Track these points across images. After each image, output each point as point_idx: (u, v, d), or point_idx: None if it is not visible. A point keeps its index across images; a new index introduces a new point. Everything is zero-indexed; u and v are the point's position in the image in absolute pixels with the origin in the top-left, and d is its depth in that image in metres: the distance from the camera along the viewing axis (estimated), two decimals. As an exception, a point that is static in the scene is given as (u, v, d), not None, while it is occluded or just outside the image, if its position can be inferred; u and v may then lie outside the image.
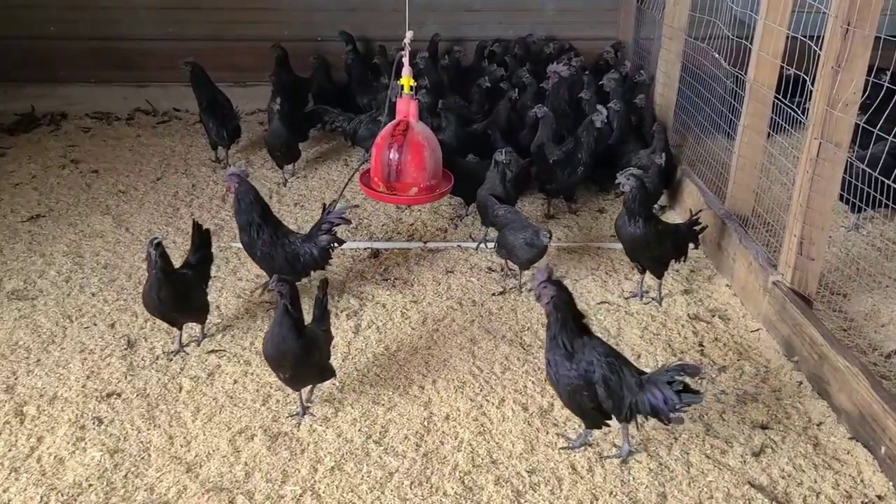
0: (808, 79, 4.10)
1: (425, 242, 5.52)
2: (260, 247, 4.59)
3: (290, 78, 7.42)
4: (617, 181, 4.57)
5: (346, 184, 5.68)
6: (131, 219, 5.75)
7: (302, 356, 3.58)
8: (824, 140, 3.95)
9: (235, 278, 5.00)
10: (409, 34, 5.08)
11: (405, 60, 5.10)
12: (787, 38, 4.45)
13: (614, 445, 3.62)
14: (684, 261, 4.85)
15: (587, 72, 7.01)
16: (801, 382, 4.06)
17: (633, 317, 4.67)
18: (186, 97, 7.97)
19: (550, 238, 4.69)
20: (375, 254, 5.38)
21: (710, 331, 4.54)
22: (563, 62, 6.92)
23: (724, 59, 5.25)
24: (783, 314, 4.30)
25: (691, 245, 4.83)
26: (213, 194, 6.23)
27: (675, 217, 5.94)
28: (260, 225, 4.57)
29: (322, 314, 3.88)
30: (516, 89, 6.51)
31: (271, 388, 3.97)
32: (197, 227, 4.32)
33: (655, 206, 5.91)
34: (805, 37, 4.22)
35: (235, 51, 7.93)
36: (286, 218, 5.83)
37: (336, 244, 4.72)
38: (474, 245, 5.47)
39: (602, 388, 3.39)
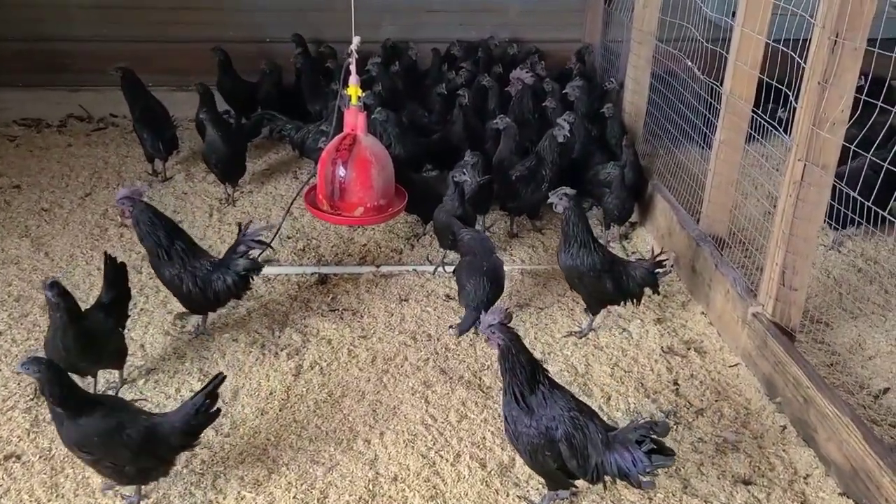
0: (790, 93, 3.73)
1: (378, 266, 5.08)
2: (168, 271, 4.11)
3: (234, 83, 6.92)
4: (549, 201, 4.17)
5: (292, 202, 5.21)
6: (52, 242, 5.21)
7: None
8: (809, 162, 3.59)
9: (165, 311, 4.50)
10: (355, 40, 4.63)
11: (352, 68, 4.65)
12: (768, 46, 4.08)
13: (582, 510, 3.22)
14: (636, 305, 4.41)
15: (546, 79, 6.58)
16: (784, 427, 3.71)
17: (603, 351, 4.28)
18: (122, 102, 7.41)
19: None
20: (323, 280, 4.93)
21: (685, 366, 4.17)
22: (525, 68, 6.52)
23: (697, 66, 4.88)
24: (764, 350, 3.95)
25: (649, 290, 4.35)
26: (147, 212, 5.70)
27: (645, 236, 5.58)
28: (168, 248, 4.09)
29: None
30: (465, 95, 6.08)
31: (198, 446, 3.49)
32: (110, 260, 3.82)
33: (626, 222, 5.54)
34: (785, 42, 3.84)
35: (175, 53, 7.38)
36: (227, 239, 5.35)
37: (256, 271, 4.24)
38: (431, 269, 5.05)
39: (565, 447, 2.99)
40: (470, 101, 6.15)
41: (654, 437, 2.89)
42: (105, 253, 3.89)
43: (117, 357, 3.77)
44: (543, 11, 7.70)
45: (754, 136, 4.40)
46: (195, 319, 4.35)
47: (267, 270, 4.95)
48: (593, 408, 3.19)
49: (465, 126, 5.86)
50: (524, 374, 3.02)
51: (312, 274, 4.97)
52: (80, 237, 5.28)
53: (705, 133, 4.86)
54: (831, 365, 4.13)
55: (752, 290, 4.18)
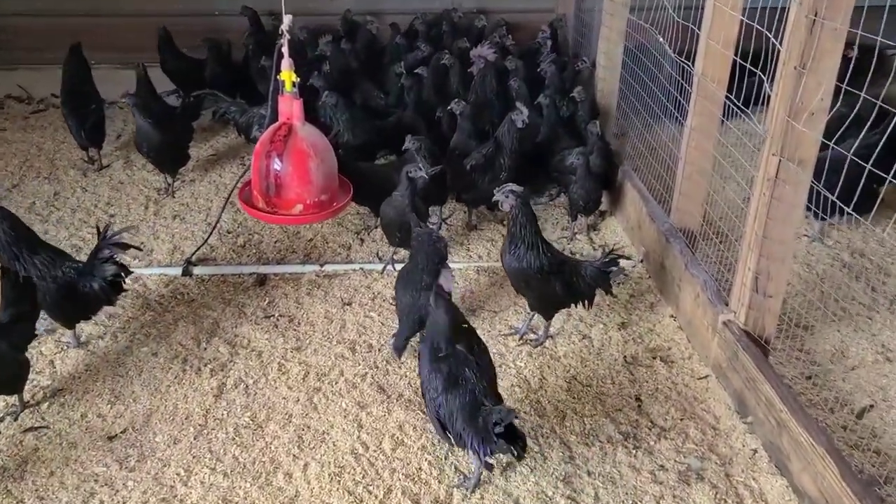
0: (764, 78, 3.29)
1: (322, 265, 4.67)
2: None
3: (178, 62, 6.43)
4: (494, 198, 3.78)
5: (229, 196, 4.79)
6: (-32, 241, 4.79)
7: None
8: (784, 158, 3.18)
9: (81, 322, 4.10)
10: (286, 19, 4.15)
11: (284, 51, 4.18)
12: (742, 24, 3.64)
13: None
14: (587, 307, 4.03)
15: (510, 56, 6.10)
16: (755, 451, 3.34)
17: (560, 362, 3.90)
18: None
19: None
20: (261, 281, 4.52)
21: (649, 378, 3.79)
22: (490, 43, 6.05)
23: (668, 43, 4.43)
24: (735, 363, 3.57)
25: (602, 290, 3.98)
26: (77, 205, 5.27)
27: (615, 227, 5.17)
28: (27, 256, 3.72)
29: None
30: (421, 75, 5.62)
31: (96, 482, 3.12)
32: (8, 275, 3.40)
33: (594, 213, 5.13)
34: (763, 11, 3.38)
35: (119, 28, 6.88)
36: (161, 234, 4.94)
37: (123, 274, 3.86)
38: (380, 267, 4.64)
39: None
40: (430, 81, 5.70)
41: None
42: (2, 268, 3.47)
43: (10, 383, 3.36)
44: (514, -21, 7.20)
45: (735, 112, 3.95)
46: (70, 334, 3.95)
47: (201, 270, 4.58)
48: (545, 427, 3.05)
49: (418, 109, 5.41)
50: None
51: (251, 274, 4.57)
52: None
53: (678, 117, 4.43)
54: (810, 377, 3.76)
55: (725, 295, 3.79)
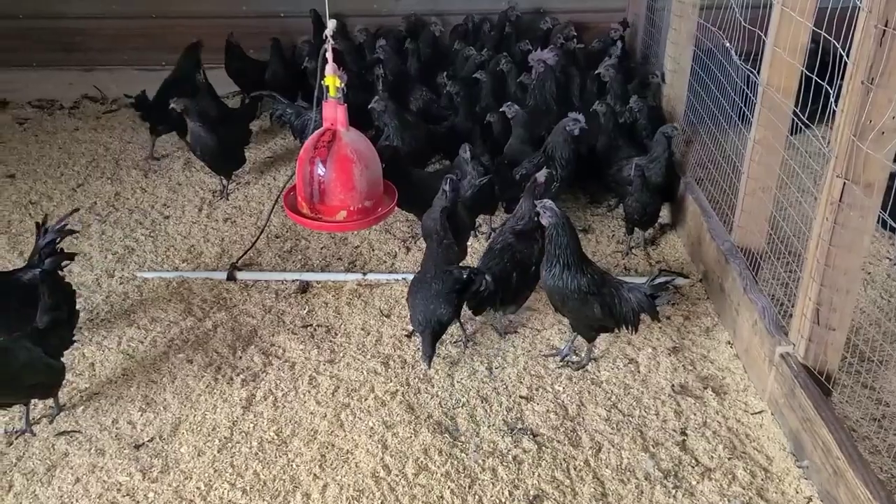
0: (830, 90, 2.99)
1: (365, 274, 4.59)
2: None
3: (241, 63, 6.47)
4: (535, 210, 3.59)
5: (275, 202, 4.76)
6: (30, 239, 4.88)
7: None
8: (849, 180, 2.87)
9: (125, 324, 4.15)
10: (331, 24, 4.06)
11: (329, 55, 4.11)
12: (811, 32, 3.32)
13: None
14: (632, 332, 3.77)
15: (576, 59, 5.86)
16: (809, 500, 3.06)
17: (602, 388, 3.68)
18: (138, 81, 7.12)
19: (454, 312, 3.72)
20: (304, 288, 4.48)
21: (698, 411, 3.53)
22: (555, 45, 5.83)
23: (736, 47, 4.12)
24: (792, 400, 3.28)
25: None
26: (135, 205, 5.37)
27: (675, 242, 4.89)
28: None
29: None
30: (443, 82, 5.50)
31: (118, 492, 3.13)
32: (46, 279, 3.45)
33: (654, 225, 4.86)
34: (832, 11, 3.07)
35: (188, 30, 6.96)
36: (211, 237, 4.96)
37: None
38: (423, 278, 4.53)
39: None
40: (488, 85, 5.54)
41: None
42: (42, 270, 3.53)
43: (41, 390, 3.41)
44: (583, -23, 6.93)
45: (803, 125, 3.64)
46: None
47: (245, 276, 4.57)
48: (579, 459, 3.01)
49: (469, 115, 5.25)
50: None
51: (294, 281, 4.53)
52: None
53: (742, 128, 4.13)
54: (878, 420, 3.42)
55: (784, 325, 3.50)
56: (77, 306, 3.69)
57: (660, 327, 4.07)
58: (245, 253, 4.72)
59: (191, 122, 5.18)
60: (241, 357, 3.90)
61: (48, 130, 6.57)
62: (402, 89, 5.71)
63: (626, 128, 5.18)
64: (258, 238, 4.78)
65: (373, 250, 4.85)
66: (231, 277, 4.55)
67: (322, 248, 4.87)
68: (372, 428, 3.44)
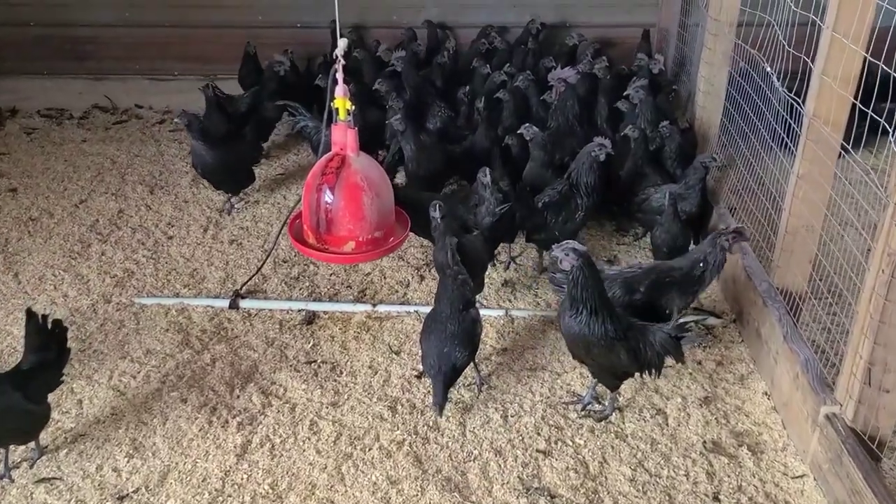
0: (889, 128, 2.69)
1: (374, 305, 4.32)
2: None
3: (258, 75, 6.23)
4: (553, 254, 3.31)
5: (282, 228, 4.49)
6: (27, 259, 4.72)
7: None
8: (913, 231, 2.57)
9: (119, 356, 3.91)
10: (342, 43, 3.82)
11: (339, 76, 3.86)
12: (865, 61, 3.01)
13: None
14: (656, 376, 3.45)
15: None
16: (857, 583, 2.75)
17: (627, 442, 3.39)
18: (149, 92, 7.02)
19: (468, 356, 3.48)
20: (310, 319, 4.23)
21: (732, 472, 3.23)
22: (582, 63, 5.53)
23: (776, 70, 3.82)
24: (837, 467, 2.96)
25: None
26: (139, 224, 5.15)
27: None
28: None
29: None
30: (467, 93, 5.28)
31: None
32: (32, 318, 3.22)
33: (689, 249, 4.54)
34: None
35: (202, 39, 6.79)
36: (215, 260, 4.73)
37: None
38: (436, 311, 4.25)
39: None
40: (510, 105, 5.26)
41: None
42: (28, 310, 3.29)
43: (20, 436, 3.17)
44: (613, -12, 6.64)
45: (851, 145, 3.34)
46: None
47: (249, 304, 4.33)
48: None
49: (488, 136, 4.97)
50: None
51: (299, 311, 4.28)
52: (59, 255, 4.76)
53: (783, 158, 3.82)
54: (933, 490, 3.10)
55: (830, 381, 3.18)
56: (69, 342, 3.45)
57: (690, 373, 3.77)
58: (249, 280, 4.47)
59: (192, 138, 4.95)
60: (238, 396, 3.65)
61: (55, 141, 6.38)
62: (420, 105, 5.45)
63: (653, 153, 4.88)
64: (263, 264, 4.54)
65: (384, 278, 4.58)
66: (234, 306, 4.31)
67: (331, 275, 4.61)
68: (375, 483, 3.16)
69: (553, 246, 3.29)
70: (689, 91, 5.56)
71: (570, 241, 3.30)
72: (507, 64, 5.80)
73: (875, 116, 2.85)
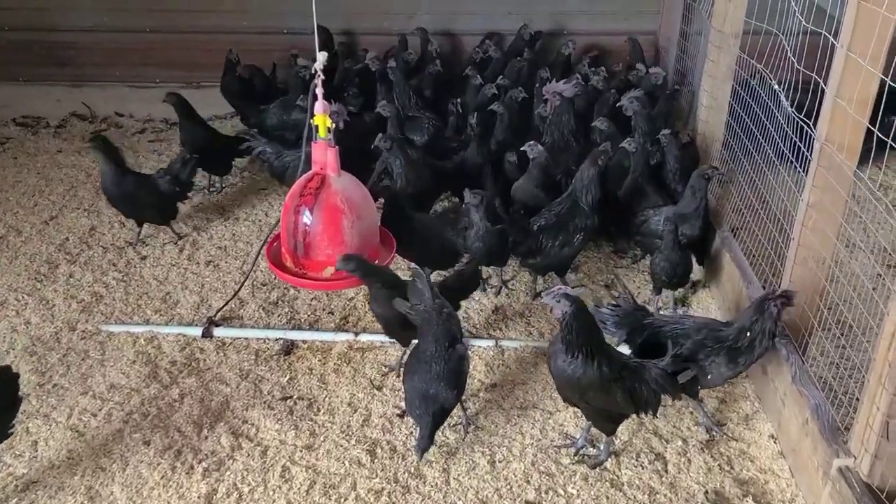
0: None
1: (357, 334, 4.07)
2: None
3: (241, 83, 5.98)
4: (543, 299, 3.08)
5: (262, 247, 4.24)
6: (-9, 282, 4.48)
7: None
8: (941, 278, 2.32)
9: (80, 391, 3.66)
10: (320, 57, 3.57)
11: (318, 91, 3.61)
12: (885, 85, 2.76)
13: None
14: (651, 416, 3.22)
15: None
16: None
17: (623, 491, 3.13)
18: (129, 99, 6.77)
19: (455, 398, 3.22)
20: (287, 349, 3.97)
21: (736, 526, 2.98)
22: (577, 75, 5.27)
23: (784, 92, 3.57)
24: (853, 526, 2.72)
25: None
26: (111, 243, 4.90)
27: (708, 302, 4.33)
28: None
29: None
30: (457, 104, 5.06)
31: None
32: None
33: (689, 280, 4.29)
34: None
35: (185, 45, 6.53)
36: (190, 283, 4.48)
37: None
38: (422, 341, 4.00)
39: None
40: (504, 119, 5.00)
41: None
42: None
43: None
44: (611, -5, 6.38)
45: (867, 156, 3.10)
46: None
47: (223, 332, 4.08)
48: None
49: (480, 151, 4.72)
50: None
51: (277, 340, 4.03)
52: (23, 277, 4.51)
53: (789, 181, 3.58)
54: (956, 551, 2.85)
55: (843, 431, 2.93)
56: (25, 380, 3.21)
57: (691, 412, 3.52)
58: (224, 305, 4.22)
59: (101, 164, 4.66)
60: (206, 437, 3.39)
61: (29, 152, 6.13)
62: (409, 117, 5.20)
63: (654, 169, 4.63)
64: (239, 289, 4.29)
65: (367, 304, 4.33)
66: (207, 334, 4.06)
67: (312, 300, 4.36)
68: (349, 540, 2.92)
69: (543, 293, 3.06)
70: (691, 104, 5.31)
71: (561, 286, 3.06)
72: (500, 76, 5.54)
73: (881, 136, 2.60)
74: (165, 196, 4.80)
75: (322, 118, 3.63)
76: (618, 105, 4.90)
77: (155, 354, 3.92)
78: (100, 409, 3.54)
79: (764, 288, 3.78)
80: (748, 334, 3.27)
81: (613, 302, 3.53)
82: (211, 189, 5.49)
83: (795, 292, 3.27)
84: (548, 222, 4.16)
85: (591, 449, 3.33)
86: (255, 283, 4.48)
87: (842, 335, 3.35)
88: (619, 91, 5.36)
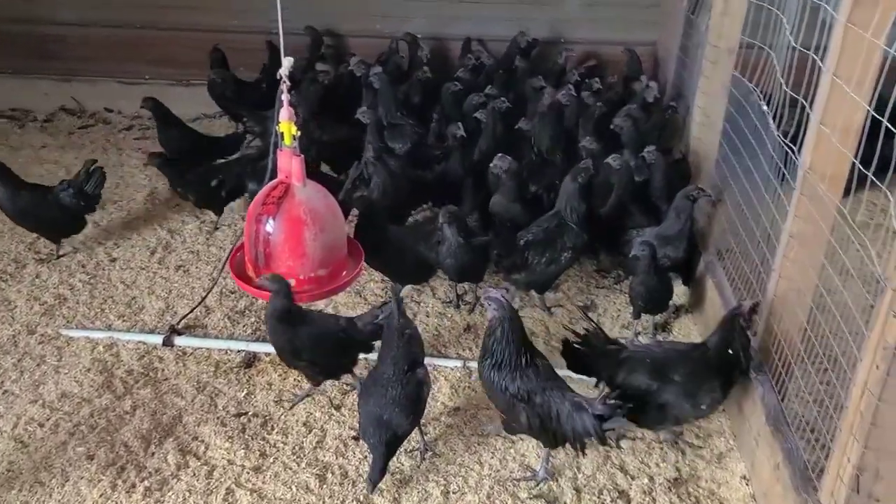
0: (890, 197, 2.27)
1: (321, 349, 3.93)
2: None
3: (226, 84, 5.86)
4: (482, 300, 3.13)
5: (229, 256, 4.11)
6: (-43, 281, 4.38)
7: None
8: (913, 325, 2.15)
9: (30, 399, 3.54)
10: (286, 62, 3.43)
11: (285, 98, 3.47)
12: (867, 113, 2.58)
13: None
14: (580, 453, 3.06)
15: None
16: None
17: (580, 531, 2.98)
18: (118, 95, 6.67)
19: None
20: (249, 362, 3.85)
21: (698, 574, 2.82)
22: (569, 85, 5.11)
23: (772, 115, 3.40)
24: (818, 583, 2.55)
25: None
26: (81, 242, 4.79)
27: (689, 329, 4.16)
28: None
29: None
30: (436, 116, 4.97)
31: None
32: None
33: (669, 303, 4.11)
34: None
35: (173, 41, 6.44)
36: (157, 289, 4.37)
37: None
38: (388, 359, 3.85)
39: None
40: (489, 128, 4.85)
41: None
42: None
43: None
44: (610, 4, 6.20)
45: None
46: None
47: (184, 342, 3.95)
48: None
49: (462, 162, 4.57)
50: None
51: (239, 351, 3.90)
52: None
53: (772, 206, 3.40)
54: None
55: (815, 479, 2.76)
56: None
57: (661, 446, 3.35)
58: (189, 313, 4.10)
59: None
60: (153, 454, 3.26)
61: (13, 146, 6.05)
62: (391, 125, 5.06)
63: (640, 186, 4.46)
64: (205, 298, 4.16)
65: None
66: (168, 343, 3.94)
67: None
68: (286, 573, 2.78)
69: (486, 288, 3.00)
70: (685, 119, 5.13)
71: (498, 289, 2.98)
72: (489, 86, 5.37)
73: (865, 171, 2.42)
74: (69, 210, 4.53)
75: (287, 125, 3.49)
76: (612, 126, 4.73)
77: (112, 362, 3.80)
78: (47, 419, 3.42)
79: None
80: (730, 351, 3.16)
81: (581, 336, 3.33)
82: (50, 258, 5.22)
83: (758, 302, 3.20)
84: (535, 237, 4.01)
85: (552, 483, 3.18)
86: (223, 290, 4.36)
87: (830, 369, 3.17)
88: (612, 104, 5.20)
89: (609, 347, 3.29)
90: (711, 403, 3.19)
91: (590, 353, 3.28)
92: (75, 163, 5.78)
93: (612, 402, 2.93)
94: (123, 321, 4.11)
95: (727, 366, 3.19)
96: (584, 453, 3.05)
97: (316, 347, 3.41)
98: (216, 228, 4.97)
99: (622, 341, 3.39)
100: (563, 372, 3.23)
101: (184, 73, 6.44)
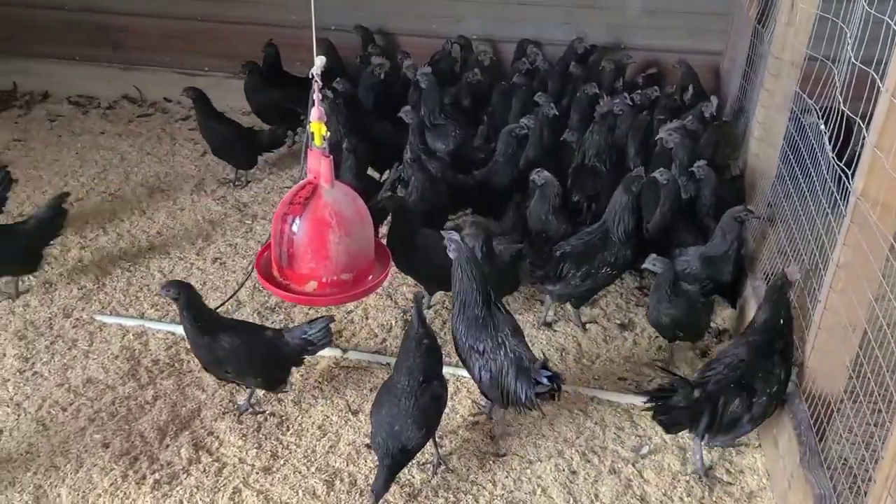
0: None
1: (344, 351, 3.88)
2: None
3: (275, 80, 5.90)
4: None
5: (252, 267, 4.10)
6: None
7: None
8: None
9: (57, 382, 3.60)
10: (318, 61, 3.37)
11: (316, 97, 3.42)
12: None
13: None
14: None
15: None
16: None
17: (591, 563, 2.83)
18: (178, 85, 6.67)
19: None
20: (273, 359, 3.82)
21: None
22: (624, 94, 4.92)
23: (829, 136, 3.17)
24: None
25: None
26: (126, 231, 4.86)
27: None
28: None
29: None
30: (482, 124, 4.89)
31: None
32: None
33: (701, 332, 3.90)
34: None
35: (231, 35, 6.51)
36: (194, 279, 4.37)
37: None
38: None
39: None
40: (537, 133, 4.71)
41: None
42: None
43: None
44: (674, 11, 5.96)
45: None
46: None
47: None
48: None
49: (506, 171, 4.45)
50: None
51: (266, 351, 3.88)
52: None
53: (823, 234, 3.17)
54: None
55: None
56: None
57: (687, 480, 3.17)
58: (220, 306, 4.09)
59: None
60: (167, 446, 3.27)
61: (74, 131, 6.21)
62: (434, 125, 4.98)
63: (688, 203, 4.25)
64: (236, 292, 4.16)
65: (366, 319, 4.14)
66: (196, 334, 3.94)
67: (309, 310, 4.18)
68: (283, 581, 2.73)
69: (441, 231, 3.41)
70: (744, 134, 4.88)
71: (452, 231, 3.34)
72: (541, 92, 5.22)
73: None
74: None
75: (317, 125, 3.44)
76: (657, 138, 4.54)
77: (140, 351, 3.83)
78: (70, 404, 3.47)
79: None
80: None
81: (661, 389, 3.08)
82: (236, 183, 5.42)
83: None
84: (574, 250, 3.86)
85: None
86: (255, 285, 4.34)
87: (882, 410, 2.94)
88: (670, 112, 5.00)
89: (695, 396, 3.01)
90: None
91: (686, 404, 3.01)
92: (130, 150, 5.93)
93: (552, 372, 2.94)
94: (156, 310, 4.15)
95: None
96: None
97: (240, 358, 3.30)
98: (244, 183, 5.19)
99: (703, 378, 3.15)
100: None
101: (237, 65, 6.47)
